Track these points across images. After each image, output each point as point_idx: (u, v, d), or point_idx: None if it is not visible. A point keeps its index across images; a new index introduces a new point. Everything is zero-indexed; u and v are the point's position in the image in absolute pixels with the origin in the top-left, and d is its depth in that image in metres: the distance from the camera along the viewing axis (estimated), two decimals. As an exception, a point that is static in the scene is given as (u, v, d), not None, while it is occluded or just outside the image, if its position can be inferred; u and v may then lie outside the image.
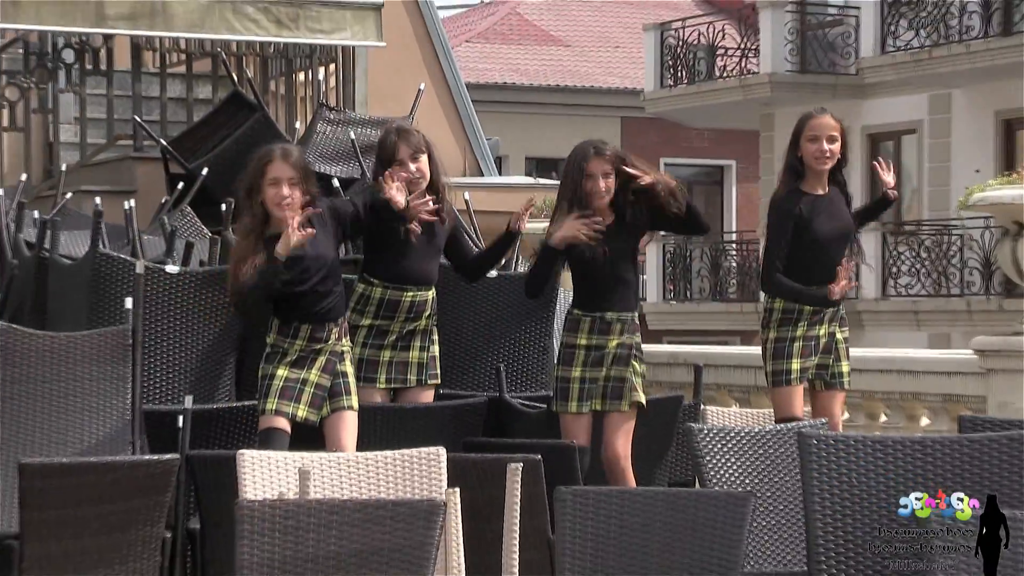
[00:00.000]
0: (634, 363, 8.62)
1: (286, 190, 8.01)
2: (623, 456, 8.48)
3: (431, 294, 8.72)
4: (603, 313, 8.61)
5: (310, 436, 8.02)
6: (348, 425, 8.14)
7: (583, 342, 8.61)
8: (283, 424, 7.99)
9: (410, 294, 8.62)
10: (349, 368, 8.23)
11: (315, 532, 5.90)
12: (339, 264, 8.30)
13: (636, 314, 8.70)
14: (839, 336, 8.96)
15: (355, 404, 8.17)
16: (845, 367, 8.95)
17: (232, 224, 9.48)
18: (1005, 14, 26.08)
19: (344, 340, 8.22)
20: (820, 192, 8.96)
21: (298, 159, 8.17)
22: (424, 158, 8.63)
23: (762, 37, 29.51)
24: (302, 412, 8.04)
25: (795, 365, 8.88)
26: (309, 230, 7.90)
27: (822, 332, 8.90)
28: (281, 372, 8.07)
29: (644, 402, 8.61)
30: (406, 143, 8.62)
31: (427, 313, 8.70)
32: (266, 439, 7.90)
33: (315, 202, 8.13)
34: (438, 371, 8.78)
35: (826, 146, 8.88)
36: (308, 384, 8.07)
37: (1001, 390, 10.27)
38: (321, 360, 8.12)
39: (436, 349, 8.76)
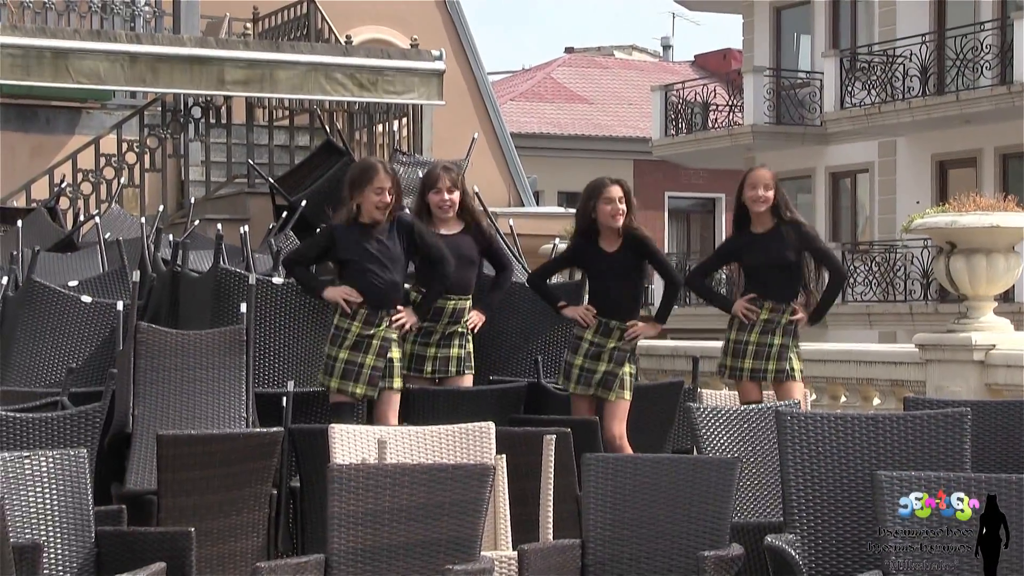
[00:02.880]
0: (627, 364, 8.60)
1: (388, 197, 8.10)
2: (619, 436, 8.45)
3: (469, 303, 8.68)
4: (608, 320, 8.60)
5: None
6: (392, 403, 8.13)
7: (588, 337, 8.62)
8: (347, 398, 8.05)
9: (451, 303, 8.56)
10: (396, 353, 8.17)
11: (391, 490, 5.89)
12: (401, 263, 8.24)
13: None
14: (791, 345, 8.89)
15: (398, 385, 8.15)
16: (796, 364, 8.88)
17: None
18: (939, 77, 25.99)
19: (394, 329, 8.16)
20: (759, 230, 8.90)
21: (394, 174, 8.31)
22: (457, 193, 8.62)
23: (746, 96, 29.43)
24: (360, 390, 8.06)
25: (747, 364, 8.85)
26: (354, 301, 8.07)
27: (775, 341, 8.84)
28: (343, 355, 8.08)
29: (628, 399, 8.57)
30: (447, 176, 8.65)
31: (465, 319, 8.65)
32: (337, 411, 7.97)
33: (403, 210, 8.30)
34: (473, 363, 8.71)
35: (760, 193, 8.84)
36: (365, 367, 8.06)
37: (937, 376, 10.20)
38: (375, 344, 8.09)
39: (471, 347, 8.70)
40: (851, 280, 27.00)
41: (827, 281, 9.24)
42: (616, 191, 8.57)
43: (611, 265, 8.61)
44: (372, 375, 8.06)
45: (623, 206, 8.56)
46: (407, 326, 8.21)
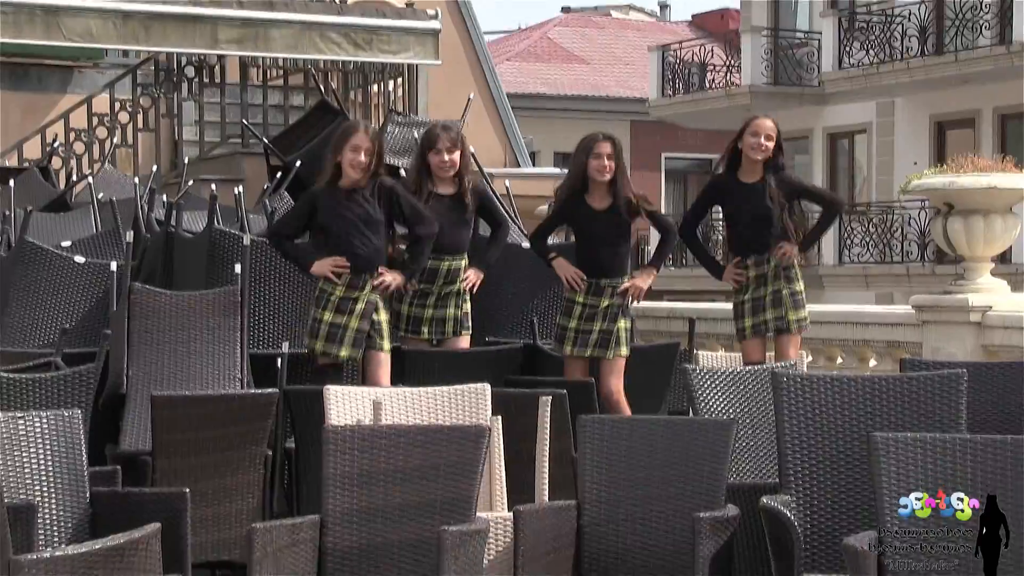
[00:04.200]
0: (621, 320, 8.59)
1: (363, 157, 8.03)
2: (616, 391, 8.45)
3: (464, 262, 8.66)
4: (598, 279, 8.59)
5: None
6: (382, 363, 8.09)
7: (580, 300, 8.60)
8: (331, 361, 8.03)
9: (446, 263, 8.56)
10: (383, 315, 8.13)
11: (386, 451, 5.90)
12: (383, 227, 8.17)
13: (626, 277, 8.65)
14: (784, 292, 8.88)
15: (387, 346, 8.12)
16: (791, 315, 8.87)
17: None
18: (938, 37, 25.93)
19: (379, 292, 8.12)
20: (747, 180, 8.89)
21: (375, 136, 8.19)
22: (457, 153, 8.59)
23: (743, 56, 29.39)
24: (345, 352, 8.03)
25: (747, 323, 8.86)
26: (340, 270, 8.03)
27: (767, 292, 8.86)
28: (327, 317, 8.05)
29: (625, 354, 8.57)
30: (446, 135, 8.61)
31: (461, 278, 8.65)
32: (322, 374, 7.93)
33: (382, 177, 8.15)
34: (470, 324, 8.71)
35: (763, 142, 8.82)
36: (349, 329, 8.04)
37: (934, 338, 10.21)
38: (359, 307, 8.06)
39: (468, 306, 8.69)
40: (848, 241, 27.01)
41: (822, 213, 9.26)
42: (605, 147, 8.56)
43: (600, 222, 8.59)
44: (356, 337, 8.04)
45: (611, 162, 8.55)
46: (392, 286, 8.18)
